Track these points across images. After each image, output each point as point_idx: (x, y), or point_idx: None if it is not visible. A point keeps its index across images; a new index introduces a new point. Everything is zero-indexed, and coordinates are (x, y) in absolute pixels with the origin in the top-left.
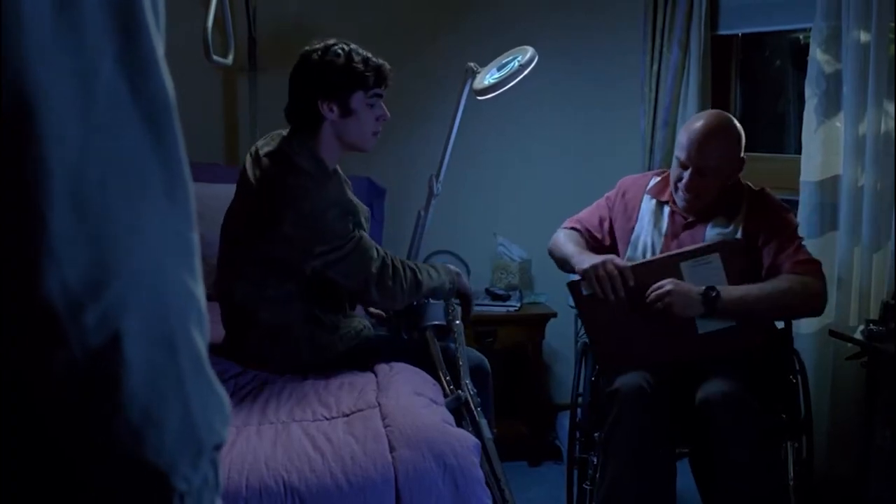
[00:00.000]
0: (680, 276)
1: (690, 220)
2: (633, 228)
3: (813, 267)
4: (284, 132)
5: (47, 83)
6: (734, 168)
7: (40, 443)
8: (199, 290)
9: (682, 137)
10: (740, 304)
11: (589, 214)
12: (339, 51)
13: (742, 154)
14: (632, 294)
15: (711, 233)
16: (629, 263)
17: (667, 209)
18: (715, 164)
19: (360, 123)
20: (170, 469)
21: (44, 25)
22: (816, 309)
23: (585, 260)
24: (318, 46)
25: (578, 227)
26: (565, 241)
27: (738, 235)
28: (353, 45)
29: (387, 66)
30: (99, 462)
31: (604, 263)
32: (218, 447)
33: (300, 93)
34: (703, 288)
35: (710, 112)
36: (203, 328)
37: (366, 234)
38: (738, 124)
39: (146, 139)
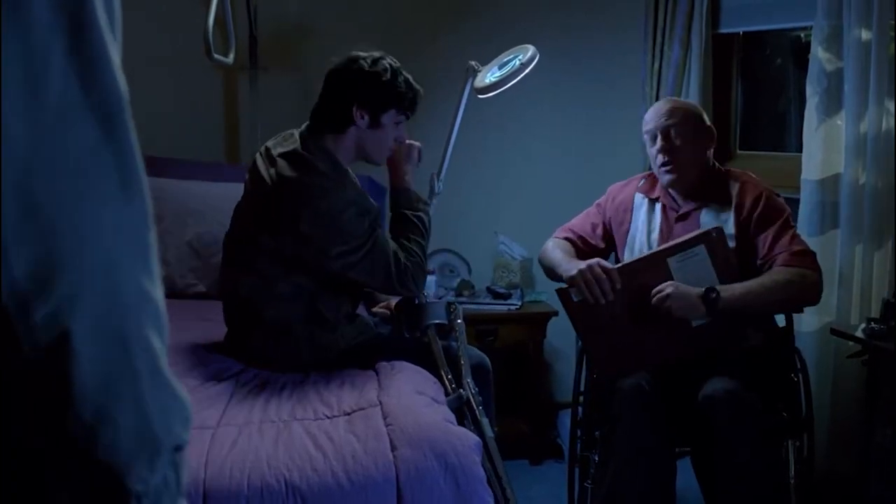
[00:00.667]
0: (668, 273)
1: (683, 212)
2: (628, 231)
3: (808, 258)
4: (295, 131)
5: None
6: (701, 133)
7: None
8: (157, 291)
9: (646, 117)
10: (740, 302)
11: (581, 222)
12: (388, 65)
13: (708, 123)
14: (622, 296)
15: (706, 221)
16: (616, 265)
17: (658, 206)
18: (679, 122)
19: (383, 138)
20: (125, 469)
21: None
22: (814, 300)
23: (572, 266)
24: (366, 55)
25: (570, 235)
26: (553, 249)
27: (731, 224)
28: (398, 64)
29: (421, 93)
30: (56, 461)
31: (590, 267)
32: (178, 448)
33: (337, 93)
34: (703, 290)
35: (669, 98)
36: (160, 329)
37: (381, 233)
38: (695, 104)
39: (98, 136)
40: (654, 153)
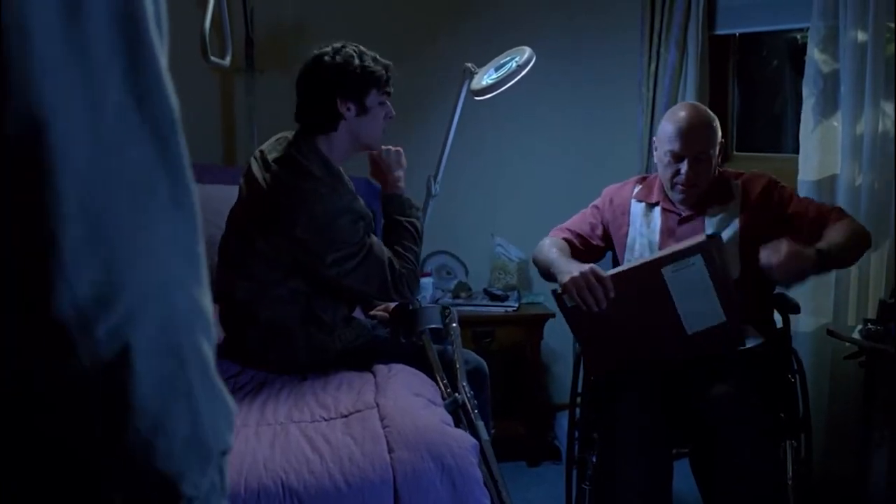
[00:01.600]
0: (662, 283)
1: (685, 215)
2: (627, 234)
3: (845, 214)
4: (289, 135)
5: (56, 101)
6: (720, 151)
7: (54, 454)
8: (207, 301)
9: (670, 130)
10: (840, 254)
11: (578, 222)
12: (353, 51)
13: (721, 138)
14: (616, 303)
15: (711, 224)
16: (610, 272)
17: (657, 210)
18: (709, 147)
19: (374, 121)
20: (179, 477)
21: (54, 45)
22: (870, 243)
23: (566, 272)
24: (327, 49)
25: (567, 235)
26: (549, 247)
27: (736, 223)
28: (360, 47)
29: (392, 65)
30: (111, 471)
31: (584, 275)
32: (224, 453)
33: (317, 93)
34: (814, 252)
35: (685, 104)
36: (210, 337)
37: (376, 240)
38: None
39: (153, 153)
40: (672, 170)
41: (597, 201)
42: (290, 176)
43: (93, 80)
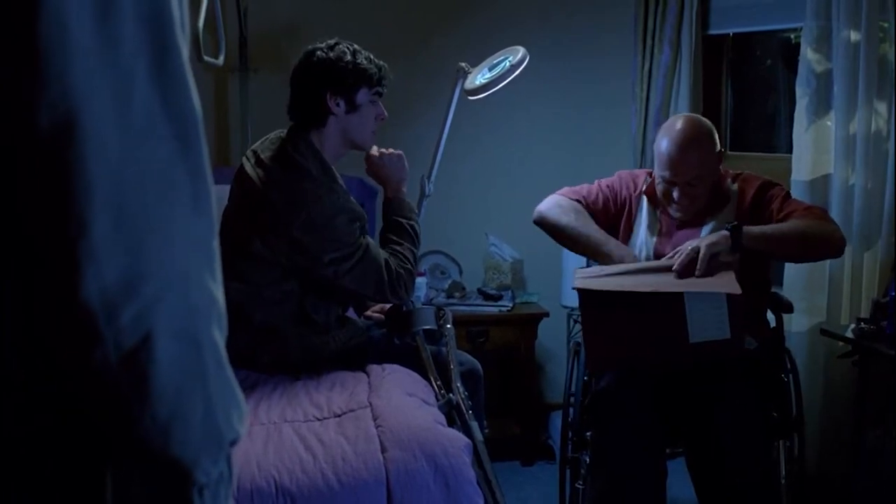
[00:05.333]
0: (681, 303)
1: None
2: (632, 228)
3: (820, 211)
4: (281, 133)
5: (89, 96)
6: (717, 165)
7: (74, 437)
8: (220, 293)
9: (663, 155)
10: (762, 239)
11: (593, 194)
12: (346, 48)
13: (718, 148)
14: (638, 296)
15: (708, 227)
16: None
17: (658, 211)
18: (701, 172)
19: (364, 120)
20: (193, 463)
21: (86, 38)
22: (836, 246)
23: (615, 253)
24: (321, 45)
25: (583, 202)
26: (570, 211)
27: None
28: (356, 45)
29: (387, 66)
30: (127, 459)
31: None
32: (233, 443)
33: (307, 87)
34: (728, 227)
35: (678, 122)
36: (223, 328)
37: (372, 241)
38: (706, 122)
39: (176, 150)
40: (668, 190)
41: (610, 181)
42: (287, 174)
43: (121, 74)
